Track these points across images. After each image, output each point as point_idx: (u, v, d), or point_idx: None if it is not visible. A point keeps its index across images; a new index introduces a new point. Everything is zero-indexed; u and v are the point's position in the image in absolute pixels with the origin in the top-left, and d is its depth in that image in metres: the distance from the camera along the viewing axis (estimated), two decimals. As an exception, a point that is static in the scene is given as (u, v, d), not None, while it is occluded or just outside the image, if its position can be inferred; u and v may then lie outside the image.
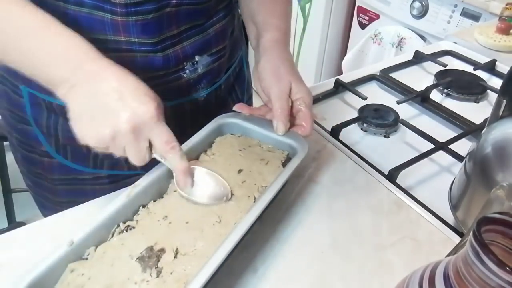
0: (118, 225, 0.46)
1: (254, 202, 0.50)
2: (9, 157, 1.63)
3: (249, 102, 0.84)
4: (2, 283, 0.46)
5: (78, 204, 0.57)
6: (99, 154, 0.65)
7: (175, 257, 0.43)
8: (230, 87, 0.76)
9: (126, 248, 0.44)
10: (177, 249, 0.44)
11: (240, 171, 0.53)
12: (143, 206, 0.48)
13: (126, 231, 0.46)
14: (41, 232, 0.52)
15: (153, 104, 0.44)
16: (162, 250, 0.44)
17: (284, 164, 0.55)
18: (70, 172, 0.68)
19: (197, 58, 0.64)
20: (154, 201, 0.49)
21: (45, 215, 0.75)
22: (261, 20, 0.64)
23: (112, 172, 0.68)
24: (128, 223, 0.47)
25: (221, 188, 0.50)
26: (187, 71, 0.64)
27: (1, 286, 0.46)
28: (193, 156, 0.54)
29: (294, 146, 0.56)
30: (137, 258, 0.43)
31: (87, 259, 0.43)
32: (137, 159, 0.46)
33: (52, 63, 0.46)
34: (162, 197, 0.50)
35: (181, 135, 0.50)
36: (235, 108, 0.61)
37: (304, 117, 0.57)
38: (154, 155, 0.47)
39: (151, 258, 0.43)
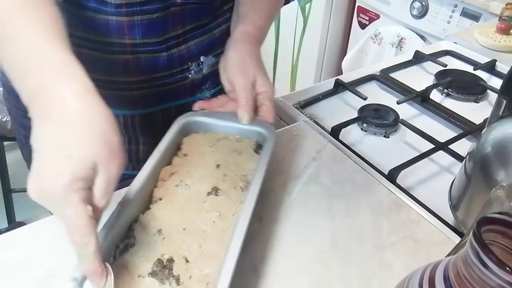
0: (117, 246, 0.44)
1: (242, 191, 0.51)
2: (9, 157, 1.63)
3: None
4: (2, 283, 0.46)
5: None
6: None
7: (186, 262, 0.43)
8: None
9: (133, 268, 0.43)
10: (185, 256, 0.44)
11: (218, 166, 0.54)
12: (135, 221, 0.47)
13: (127, 249, 0.44)
14: (41, 232, 0.52)
15: (75, 170, 0.34)
16: (171, 260, 0.43)
17: (256, 151, 0.56)
18: None
19: (202, 58, 0.64)
20: (143, 214, 0.48)
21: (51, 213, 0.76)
22: (243, 11, 0.64)
23: None
24: (126, 241, 0.45)
25: None
26: (192, 71, 0.64)
27: (1, 286, 0.46)
28: (166, 162, 0.54)
29: (261, 132, 0.57)
30: (149, 274, 0.42)
31: None
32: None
33: (24, 77, 0.38)
34: (149, 208, 0.49)
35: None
36: (195, 108, 0.60)
37: (267, 110, 0.58)
38: None
39: (164, 269, 0.42)
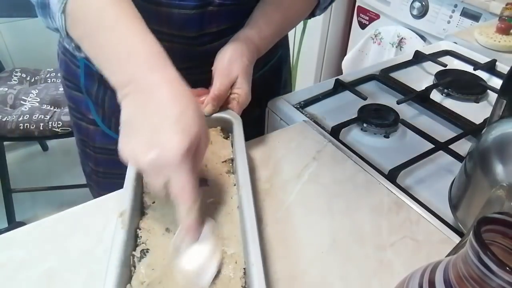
0: (133, 255, 0.44)
1: (229, 176, 0.53)
2: (9, 157, 1.63)
3: None
4: (2, 283, 0.46)
5: (113, 176, 0.58)
6: None
7: None
8: (265, 83, 0.77)
9: (161, 267, 0.43)
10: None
11: None
12: (139, 228, 0.47)
13: (145, 255, 0.44)
14: (41, 232, 0.52)
15: (186, 142, 0.40)
16: None
17: (225, 138, 0.58)
18: (111, 142, 0.72)
19: None
20: (141, 220, 0.48)
21: (88, 182, 0.83)
22: (254, 17, 0.65)
23: None
24: (139, 248, 0.45)
25: (213, 263, 0.43)
26: None
27: (1, 286, 0.46)
28: None
29: (224, 118, 0.58)
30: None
31: None
32: (154, 190, 0.44)
33: (115, 65, 0.45)
34: (147, 213, 0.49)
35: None
36: None
37: (231, 108, 0.59)
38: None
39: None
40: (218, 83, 0.58)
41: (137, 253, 0.44)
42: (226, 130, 0.59)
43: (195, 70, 0.63)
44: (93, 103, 0.71)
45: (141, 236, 0.46)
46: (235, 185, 0.52)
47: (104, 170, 0.76)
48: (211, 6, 0.60)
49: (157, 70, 0.44)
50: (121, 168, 0.61)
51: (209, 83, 0.65)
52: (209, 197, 0.50)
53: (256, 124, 0.58)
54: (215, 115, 0.58)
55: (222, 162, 0.55)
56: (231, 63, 0.59)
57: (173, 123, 0.41)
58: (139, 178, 0.51)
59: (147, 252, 0.45)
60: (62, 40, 0.71)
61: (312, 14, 0.72)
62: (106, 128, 0.71)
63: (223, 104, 0.59)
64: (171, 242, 0.44)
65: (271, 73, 0.78)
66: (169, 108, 0.42)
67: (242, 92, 0.59)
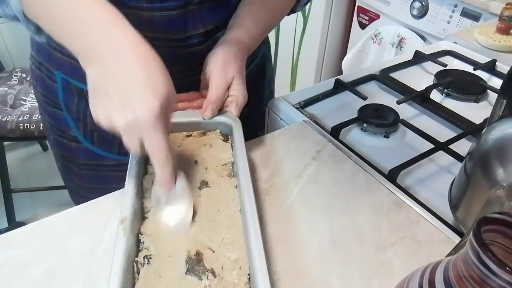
0: (136, 262, 0.43)
1: (230, 178, 0.52)
2: (9, 157, 1.63)
3: (269, 97, 0.86)
4: (2, 283, 0.46)
5: (101, 190, 0.58)
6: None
7: (213, 252, 0.44)
8: (251, 82, 0.77)
9: (166, 274, 0.42)
10: (209, 246, 0.45)
11: (196, 162, 0.54)
12: (140, 234, 0.46)
13: (148, 261, 0.44)
14: (41, 232, 0.52)
15: (157, 103, 0.42)
16: (199, 254, 0.44)
17: (225, 141, 0.58)
18: (96, 158, 0.70)
19: None
20: (142, 225, 0.47)
21: (73, 199, 0.81)
22: (240, 17, 0.64)
23: None
24: (141, 254, 0.44)
25: (187, 218, 0.47)
26: None
27: (1, 286, 0.46)
28: (142, 172, 0.53)
29: (223, 121, 0.58)
30: (186, 273, 0.42)
31: None
32: (130, 149, 0.46)
33: (77, 31, 0.45)
34: (147, 217, 0.48)
35: None
36: None
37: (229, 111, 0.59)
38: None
39: (197, 265, 0.43)
40: (215, 86, 0.57)
41: (140, 259, 0.44)
42: (226, 133, 0.59)
43: (183, 74, 0.63)
44: (73, 119, 0.68)
45: (143, 242, 0.45)
46: (236, 187, 0.52)
47: (90, 185, 0.73)
48: (192, 5, 0.59)
49: (121, 33, 0.44)
50: (108, 183, 0.61)
51: (197, 86, 0.65)
52: (210, 200, 0.49)
53: (244, 124, 0.57)
54: (214, 118, 0.58)
55: (223, 165, 0.54)
56: (226, 65, 0.58)
57: (143, 85, 0.42)
58: (139, 183, 0.51)
59: (151, 258, 0.44)
60: (35, 53, 0.69)
61: (293, 10, 0.72)
62: (89, 144, 0.69)
63: (221, 107, 0.59)
64: (152, 195, 0.48)
65: (256, 72, 0.78)
66: (138, 70, 0.43)
67: (239, 94, 0.59)
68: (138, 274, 0.42)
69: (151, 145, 0.44)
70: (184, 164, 0.54)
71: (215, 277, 0.42)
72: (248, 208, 0.45)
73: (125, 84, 0.43)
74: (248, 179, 0.49)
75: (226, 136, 0.59)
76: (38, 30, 0.50)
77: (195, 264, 0.43)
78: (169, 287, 0.41)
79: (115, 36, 0.44)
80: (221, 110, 0.59)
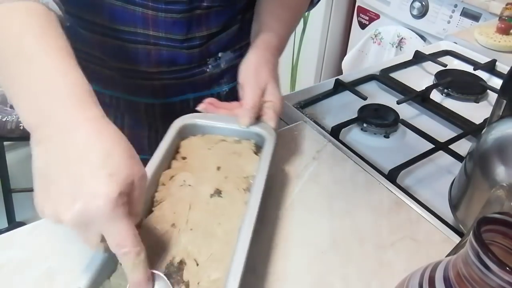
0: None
1: (245, 193, 0.50)
2: (9, 157, 1.63)
3: None
4: (2, 283, 0.46)
5: None
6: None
7: (197, 265, 0.43)
8: None
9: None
10: (195, 258, 0.43)
11: (218, 168, 0.53)
12: (139, 226, 0.46)
13: None
14: (41, 232, 0.52)
15: (116, 187, 0.34)
16: (181, 263, 0.43)
17: (256, 153, 0.56)
18: None
19: (220, 54, 0.65)
20: (146, 218, 0.47)
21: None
22: (264, 20, 0.64)
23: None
24: None
25: None
26: (210, 66, 0.65)
27: (1, 286, 0.46)
28: (165, 166, 0.53)
29: (260, 133, 0.56)
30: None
31: None
32: (89, 247, 0.38)
33: (27, 103, 0.38)
34: (152, 211, 0.48)
35: None
36: (199, 107, 0.59)
37: (268, 119, 0.57)
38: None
39: (177, 272, 0.42)
40: (250, 93, 0.56)
41: None
42: (260, 144, 0.56)
43: (182, 74, 0.63)
44: None
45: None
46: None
47: None
48: (199, 9, 0.59)
49: (78, 108, 0.37)
50: None
51: (196, 87, 0.65)
52: (216, 211, 0.48)
53: None
54: (253, 129, 0.56)
55: (244, 177, 0.52)
56: (258, 71, 0.57)
57: (98, 169, 0.35)
58: (155, 177, 0.50)
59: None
60: None
61: (312, 3, 0.72)
62: None
63: (258, 113, 0.57)
64: None
65: None
66: (92, 152, 0.35)
67: (274, 99, 0.57)
68: (121, 265, 0.41)
69: (114, 239, 0.36)
70: (205, 167, 0.53)
71: None
72: (244, 229, 0.43)
73: (76, 169, 0.35)
74: (258, 199, 0.46)
75: (259, 148, 0.56)
76: None
77: (175, 272, 0.42)
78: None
79: (71, 111, 0.37)
80: (258, 117, 0.57)
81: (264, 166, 0.51)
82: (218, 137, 0.58)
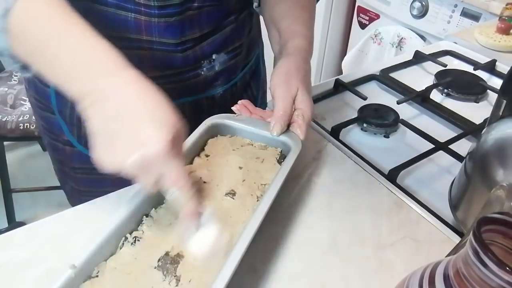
0: (126, 238, 0.45)
1: (257, 200, 0.50)
2: (9, 157, 1.63)
3: (262, 99, 0.85)
4: (2, 283, 0.46)
5: (97, 194, 0.57)
6: None
7: (194, 260, 0.43)
8: (246, 84, 0.76)
9: (141, 258, 0.43)
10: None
11: (240, 168, 0.54)
12: (146, 215, 0.48)
13: (134, 242, 0.45)
14: (41, 232, 0.52)
15: (168, 134, 0.41)
16: (179, 256, 0.43)
17: (279, 161, 0.55)
18: (90, 162, 0.69)
19: (214, 56, 0.65)
20: (155, 208, 0.49)
21: (69, 201, 0.80)
22: (286, 26, 0.63)
23: None
24: (135, 233, 0.45)
25: (222, 242, 0.45)
26: (204, 68, 0.65)
27: (1, 286, 0.46)
28: (187, 161, 0.54)
29: (287, 143, 0.55)
30: (156, 266, 0.42)
31: (97, 276, 0.42)
32: (145, 189, 0.44)
33: (72, 75, 0.43)
34: (163, 203, 0.49)
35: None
36: (235, 107, 0.60)
37: (298, 128, 0.56)
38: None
39: (171, 264, 0.43)
40: (281, 101, 0.55)
41: (130, 237, 0.45)
42: (285, 154, 0.56)
43: (176, 77, 0.63)
44: (66, 123, 0.67)
45: (143, 223, 0.47)
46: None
47: (86, 188, 0.73)
48: (191, 10, 0.58)
49: (118, 73, 0.43)
50: (104, 186, 0.60)
51: (191, 90, 0.64)
52: (224, 213, 0.48)
53: None
54: (281, 137, 0.56)
55: (261, 184, 0.52)
56: (288, 77, 0.57)
57: (151, 119, 0.41)
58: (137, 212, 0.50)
59: (138, 240, 0.45)
60: None
61: None
62: (83, 148, 0.68)
63: (289, 121, 0.57)
64: (179, 233, 0.45)
65: (251, 75, 0.78)
66: (143, 106, 0.41)
67: (305, 106, 0.56)
68: (120, 249, 0.44)
69: (171, 178, 0.42)
70: (225, 168, 0.53)
71: (176, 285, 0.41)
72: (242, 237, 0.42)
73: (132, 122, 0.41)
74: (263, 211, 0.45)
75: (284, 158, 0.56)
76: (24, 67, 0.47)
77: (169, 263, 0.43)
78: (133, 272, 0.42)
79: (115, 75, 0.42)
80: (290, 124, 0.56)
81: (279, 177, 0.50)
82: (245, 140, 0.58)
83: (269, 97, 0.86)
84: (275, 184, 0.49)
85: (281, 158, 0.56)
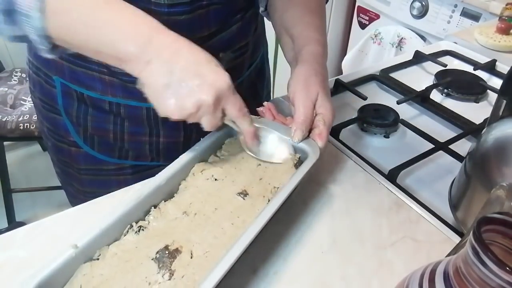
0: (131, 226, 0.46)
1: (266, 203, 0.49)
2: (9, 157, 1.63)
3: (267, 98, 0.85)
4: (2, 283, 0.46)
5: (102, 195, 0.57)
6: (124, 145, 0.67)
7: (191, 257, 0.43)
8: (251, 83, 0.76)
9: (142, 248, 0.44)
10: (192, 250, 0.44)
11: (259, 164, 0.54)
12: (154, 206, 0.48)
13: (139, 231, 0.45)
14: (41, 232, 0.52)
15: (227, 74, 0.47)
16: (177, 251, 0.44)
17: (296, 166, 0.54)
18: (96, 163, 0.70)
19: (221, 55, 0.65)
20: (165, 201, 0.49)
21: (71, 203, 0.80)
22: (299, 32, 0.63)
23: (136, 163, 0.70)
24: (141, 223, 0.46)
25: (285, 145, 0.55)
26: None
27: (1, 286, 0.46)
28: (202, 158, 0.55)
29: (306, 150, 0.55)
30: (154, 258, 0.43)
31: (98, 259, 0.43)
32: (211, 126, 0.49)
33: (121, 39, 0.46)
34: (173, 196, 0.50)
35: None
36: (259, 109, 0.60)
37: (319, 134, 0.55)
38: (225, 121, 0.51)
39: (168, 258, 0.43)
40: (302, 107, 0.55)
41: (135, 226, 0.46)
42: (303, 161, 0.55)
43: None
44: (72, 124, 0.67)
45: (150, 214, 0.47)
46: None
47: (91, 190, 0.73)
48: (200, 9, 0.58)
49: (167, 32, 0.47)
50: (109, 187, 0.61)
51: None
52: (232, 213, 0.48)
53: None
54: (301, 144, 0.55)
55: (274, 187, 0.52)
56: (307, 83, 0.56)
57: (209, 63, 0.47)
58: (187, 166, 0.52)
59: (142, 230, 0.46)
60: (32, 59, 0.67)
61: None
62: (89, 149, 0.68)
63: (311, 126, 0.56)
64: (246, 149, 0.55)
65: (256, 74, 0.78)
66: (197, 55, 0.47)
67: (325, 111, 0.56)
68: (124, 236, 0.45)
69: (234, 107, 0.49)
70: (240, 167, 0.54)
71: (169, 279, 0.41)
72: (236, 246, 0.42)
73: (194, 67, 0.46)
74: (266, 217, 0.45)
75: (301, 163, 0.55)
76: (54, 48, 0.48)
77: (167, 256, 0.43)
78: (131, 260, 0.43)
79: (164, 34, 0.47)
80: (311, 130, 0.56)
81: (290, 184, 0.49)
82: None
83: (272, 97, 0.87)
84: (284, 191, 0.48)
85: (299, 164, 0.55)
